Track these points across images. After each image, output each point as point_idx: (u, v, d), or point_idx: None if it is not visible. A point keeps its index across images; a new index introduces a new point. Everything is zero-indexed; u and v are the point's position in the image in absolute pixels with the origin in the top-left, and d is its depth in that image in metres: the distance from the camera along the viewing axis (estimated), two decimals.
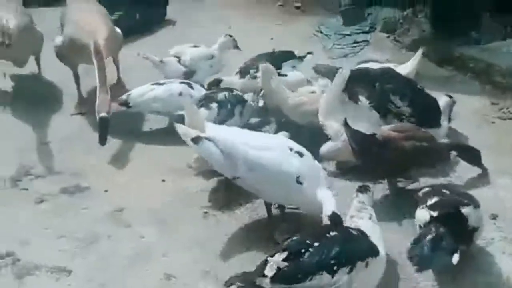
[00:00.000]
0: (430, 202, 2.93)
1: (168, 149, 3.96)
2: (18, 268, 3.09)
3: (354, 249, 2.65)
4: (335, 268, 2.55)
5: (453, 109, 3.92)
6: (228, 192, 3.52)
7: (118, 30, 4.48)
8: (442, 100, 3.82)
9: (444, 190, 3.05)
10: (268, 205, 3.26)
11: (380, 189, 3.50)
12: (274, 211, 3.30)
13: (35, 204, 3.55)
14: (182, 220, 3.39)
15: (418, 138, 3.40)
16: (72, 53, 4.20)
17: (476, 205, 2.94)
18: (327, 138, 3.67)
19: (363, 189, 3.03)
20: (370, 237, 2.77)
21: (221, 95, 3.93)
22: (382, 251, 2.75)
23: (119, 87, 4.48)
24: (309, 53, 4.44)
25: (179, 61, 4.50)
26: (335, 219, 2.91)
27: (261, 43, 5.12)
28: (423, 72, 4.40)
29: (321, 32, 5.32)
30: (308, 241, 2.61)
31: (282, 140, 3.29)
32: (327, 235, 2.67)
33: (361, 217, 2.92)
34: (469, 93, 4.48)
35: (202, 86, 4.29)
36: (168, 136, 4.02)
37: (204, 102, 3.90)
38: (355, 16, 5.44)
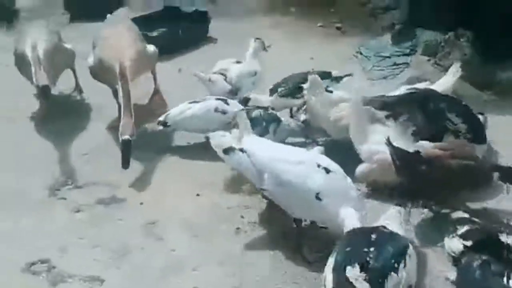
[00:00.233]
0: (462, 231, 2.90)
1: (205, 164, 4.01)
2: (53, 275, 3.16)
3: (398, 244, 2.74)
4: (396, 266, 2.63)
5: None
6: (261, 210, 3.55)
7: (151, 48, 4.51)
8: None
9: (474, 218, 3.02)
10: (297, 221, 3.27)
11: (418, 211, 3.47)
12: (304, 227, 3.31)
13: (72, 214, 3.63)
14: (214, 235, 3.42)
15: (463, 157, 3.35)
16: (101, 74, 4.29)
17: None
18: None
19: (401, 204, 3.02)
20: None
21: (256, 113, 3.96)
22: None
23: (159, 100, 4.55)
24: (348, 75, 4.42)
25: (225, 79, 4.54)
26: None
27: (301, 62, 5.15)
28: (461, 93, 4.37)
29: (361, 53, 5.33)
30: (364, 249, 2.67)
31: (312, 155, 3.31)
32: (372, 239, 2.72)
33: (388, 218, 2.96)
34: (507, 117, 4.42)
35: (241, 103, 4.33)
36: (205, 151, 4.05)
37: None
38: (406, 37, 5.42)
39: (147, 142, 4.24)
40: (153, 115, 4.31)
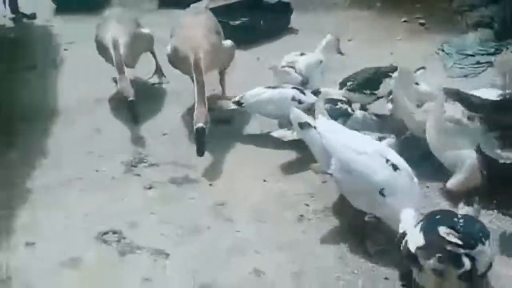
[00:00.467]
0: None
1: (275, 152, 4.10)
2: (122, 246, 3.33)
3: (483, 226, 2.81)
4: (483, 239, 2.70)
5: None
6: (325, 199, 3.60)
7: (228, 43, 4.57)
8: None
9: None
10: (360, 213, 3.28)
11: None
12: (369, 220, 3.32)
13: (145, 190, 3.79)
14: (278, 220, 3.50)
15: None
16: (176, 62, 4.41)
17: None
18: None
19: (469, 202, 2.99)
20: None
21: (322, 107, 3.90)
22: None
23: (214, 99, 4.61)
24: (421, 68, 4.34)
25: (295, 71, 4.59)
26: (401, 237, 2.90)
27: (380, 56, 5.13)
28: None
29: (443, 50, 5.24)
30: (454, 219, 2.75)
31: (382, 148, 3.29)
32: (459, 216, 2.80)
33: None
34: None
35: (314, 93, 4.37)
36: (276, 139, 4.18)
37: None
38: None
39: (221, 128, 4.36)
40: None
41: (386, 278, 3.06)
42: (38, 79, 5.08)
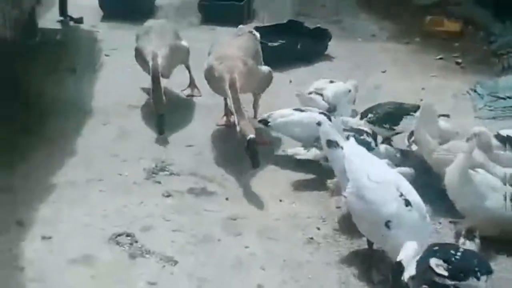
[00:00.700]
0: None
1: (295, 173, 4.19)
2: (134, 249, 3.44)
3: (485, 263, 2.85)
4: (479, 275, 2.75)
5: None
6: (336, 224, 3.66)
7: (265, 69, 4.59)
8: None
9: None
10: (369, 242, 3.32)
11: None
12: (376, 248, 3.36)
13: (163, 197, 3.90)
14: (287, 240, 3.56)
15: None
16: (211, 81, 4.46)
17: None
18: None
19: (470, 236, 3.01)
20: None
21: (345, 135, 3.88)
22: None
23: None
24: (444, 115, 4.29)
25: (322, 98, 4.64)
26: (398, 267, 2.92)
27: (411, 91, 5.17)
28: None
29: (475, 91, 5.24)
30: (451, 251, 2.81)
31: (399, 181, 3.28)
32: (461, 249, 2.88)
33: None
34: None
35: None
36: (298, 162, 4.24)
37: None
38: None
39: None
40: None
41: None
42: (76, 81, 5.26)
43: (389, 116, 4.27)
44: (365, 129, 4.20)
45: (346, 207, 3.48)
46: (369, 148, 3.99)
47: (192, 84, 5.18)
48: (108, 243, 3.48)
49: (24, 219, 3.61)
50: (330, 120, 4.28)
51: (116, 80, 5.30)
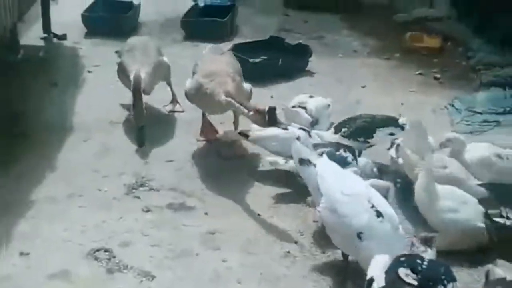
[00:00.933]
0: None
1: (274, 188, 4.22)
2: (112, 264, 3.47)
3: (450, 271, 2.90)
4: (445, 282, 2.81)
5: None
6: (313, 237, 3.70)
7: (247, 86, 4.62)
8: None
9: None
10: (344, 254, 3.36)
11: None
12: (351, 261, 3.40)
13: (142, 213, 3.93)
14: (265, 254, 3.59)
15: None
16: (202, 99, 4.43)
17: None
18: None
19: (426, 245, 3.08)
20: None
21: (318, 152, 3.90)
22: None
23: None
24: None
25: (306, 111, 4.70)
26: (369, 285, 2.96)
27: (391, 106, 5.22)
28: None
29: (453, 106, 5.31)
30: (418, 261, 2.87)
31: (370, 193, 3.33)
32: (426, 259, 2.93)
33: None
34: None
35: None
36: (278, 177, 4.29)
37: None
38: None
39: (225, 162, 4.49)
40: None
41: None
42: (58, 97, 5.28)
43: (362, 130, 4.33)
44: (343, 143, 4.26)
45: (321, 221, 3.52)
46: (345, 163, 4.03)
47: (174, 100, 5.21)
48: (87, 259, 3.51)
49: (2, 234, 3.62)
50: (309, 135, 4.33)
51: (98, 96, 5.33)
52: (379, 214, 3.20)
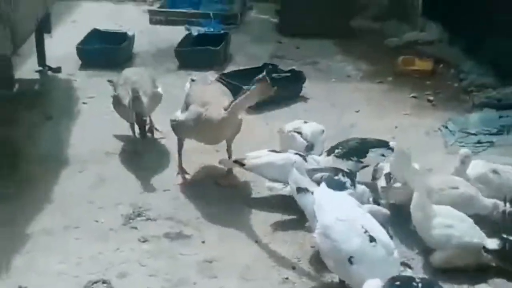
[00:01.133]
0: None
1: (271, 214, 4.22)
2: None
3: None
4: None
5: None
6: (311, 263, 3.70)
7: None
8: None
9: None
10: (341, 281, 3.36)
11: None
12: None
13: (139, 243, 3.93)
14: (263, 280, 3.60)
15: None
16: (202, 130, 4.40)
17: None
18: None
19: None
20: None
21: (317, 176, 3.94)
22: None
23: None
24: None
25: (301, 136, 4.73)
26: None
27: (385, 129, 5.25)
28: None
29: (446, 128, 5.34)
30: (413, 284, 2.94)
31: (364, 218, 3.36)
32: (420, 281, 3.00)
33: None
34: None
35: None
36: (275, 203, 4.30)
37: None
38: None
39: (221, 189, 4.51)
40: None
41: None
42: (53, 129, 5.30)
43: (355, 150, 4.38)
44: (342, 168, 4.27)
45: (317, 247, 3.52)
46: (344, 188, 4.03)
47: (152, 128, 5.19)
48: None
49: (0, 268, 3.61)
50: (305, 160, 4.35)
51: (93, 127, 5.35)
52: (372, 239, 3.21)
